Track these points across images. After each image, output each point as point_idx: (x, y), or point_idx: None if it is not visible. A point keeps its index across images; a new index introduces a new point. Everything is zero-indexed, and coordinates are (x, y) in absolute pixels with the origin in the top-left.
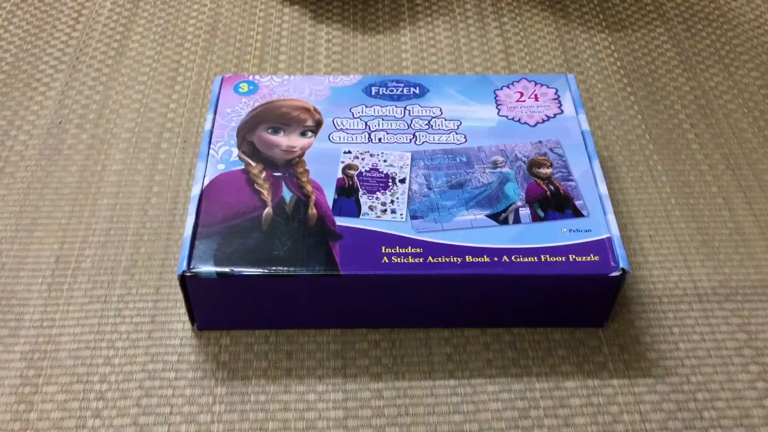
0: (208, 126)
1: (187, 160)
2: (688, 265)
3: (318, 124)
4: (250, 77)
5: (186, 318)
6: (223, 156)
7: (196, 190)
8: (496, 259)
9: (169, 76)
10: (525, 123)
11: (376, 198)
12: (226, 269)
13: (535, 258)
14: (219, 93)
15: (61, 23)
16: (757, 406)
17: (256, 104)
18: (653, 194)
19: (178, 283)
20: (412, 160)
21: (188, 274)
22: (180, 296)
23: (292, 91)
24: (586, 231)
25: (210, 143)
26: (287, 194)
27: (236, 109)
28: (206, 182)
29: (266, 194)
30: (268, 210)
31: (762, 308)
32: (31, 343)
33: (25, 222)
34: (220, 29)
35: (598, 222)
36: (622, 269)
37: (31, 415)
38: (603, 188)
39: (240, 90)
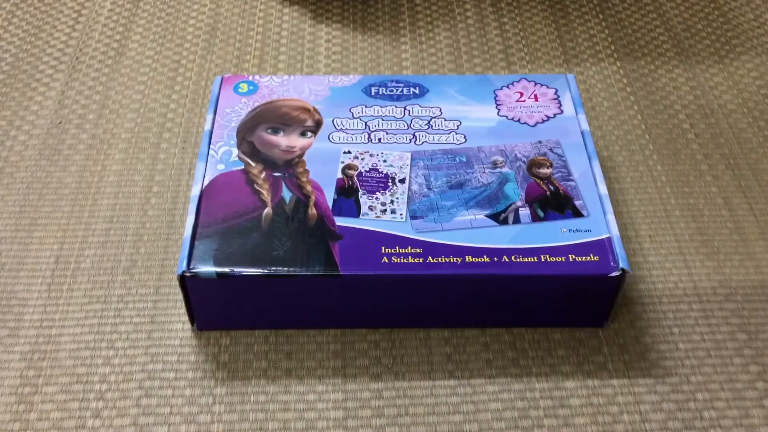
0: (207, 126)
1: (186, 160)
2: (688, 265)
3: (318, 124)
4: (250, 77)
5: (186, 318)
6: (223, 156)
7: (195, 190)
8: (496, 259)
9: (168, 76)
10: (525, 123)
11: (376, 198)
12: (226, 269)
13: (535, 258)
14: (219, 93)
15: (61, 23)
16: (757, 406)
17: (256, 104)
18: (653, 194)
19: (177, 283)
20: (411, 160)
21: (188, 274)
22: (180, 296)
23: (291, 92)
24: (586, 231)
25: (210, 143)
26: (287, 194)
27: (236, 109)
28: (206, 182)
29: (266, 194)
30: (267, 210)
31: (762, 308)
32: (31, 343)
33: (24, 222)
34: (220, 29)
35: (598, 222)
36: (622, 269)
37: (31, 416)
38: (603, 188)
39: (240, 90)
